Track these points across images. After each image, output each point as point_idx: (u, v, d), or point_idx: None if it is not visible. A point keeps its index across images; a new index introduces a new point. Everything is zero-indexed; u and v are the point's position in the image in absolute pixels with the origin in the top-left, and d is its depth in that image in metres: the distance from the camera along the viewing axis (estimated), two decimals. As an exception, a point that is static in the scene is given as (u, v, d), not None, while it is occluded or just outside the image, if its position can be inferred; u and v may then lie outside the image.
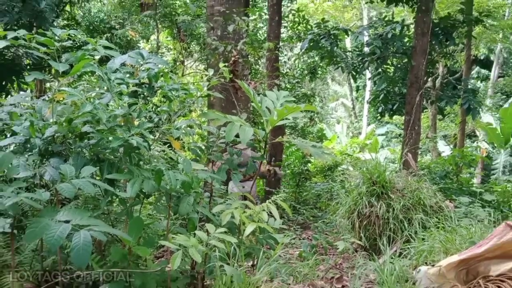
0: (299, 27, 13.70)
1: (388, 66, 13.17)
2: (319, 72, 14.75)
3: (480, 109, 14.52)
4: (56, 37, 4.11)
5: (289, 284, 4.22)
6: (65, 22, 11.03)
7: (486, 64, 24.14)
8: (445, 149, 18.58)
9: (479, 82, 25.13)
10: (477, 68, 24.28)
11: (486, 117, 19.06)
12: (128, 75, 4.33)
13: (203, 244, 3.74)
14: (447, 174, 12.13)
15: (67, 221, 2.88)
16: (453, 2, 17.55)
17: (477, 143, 20.09)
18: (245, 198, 4.89)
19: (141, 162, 4.07)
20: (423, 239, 5.30)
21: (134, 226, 3.84)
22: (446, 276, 3.89)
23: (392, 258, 4.67)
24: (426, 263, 4.58)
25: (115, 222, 4.20)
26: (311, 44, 12.26)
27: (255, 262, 4.53)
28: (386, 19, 12.99)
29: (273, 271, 4.38)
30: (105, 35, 10.60)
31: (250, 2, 13.66)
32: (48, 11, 8.02)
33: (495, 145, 17.69)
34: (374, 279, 4.31)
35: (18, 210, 3.19)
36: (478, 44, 20.55)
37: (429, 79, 13.64)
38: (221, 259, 4.13)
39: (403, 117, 11.41)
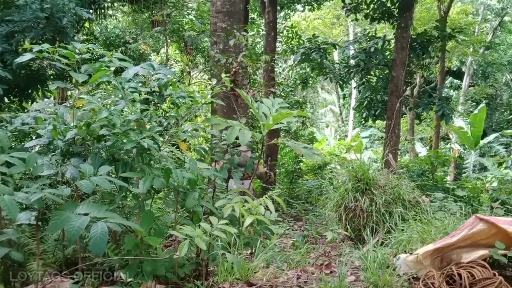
0: (292, 42, 13.71)
1: (371, 77, 13.18)
2: (310, 81, 14.76)
3: (453, 115, 14.57)
4: (76, 50, 4.10)
5: (283, 270, 4.21)
6: (85, 37, 11.02)
7: (458, 75, 24.19)
8: (421, 150, 18.61)
9: (452, 91, 25.15)
10: (450, 79, 24.31)
11: (458, 122, 19.09)
12: (140, 84, 4.33)
13: (207, 234, 3.74)
14: (423, 173, 12.14)
15: (86, 214, 2.88)
16: (429, 20, 17.58)
17: (450, 145, 20.11)
18: (244, 194, 4.88)
19: (152, 162, 4.07)
20: (402, 230, 5.30)
21: (146, 219, 3.84)
22: (422, 263, 3.90)
23: (374, 247, 4.66)
24: (405, 251, 4.58)
25: (129, 215, 4.19)
26: (303, 57, 12.27)
27: (253, 250, 4.53)
28: (370, 35, 13.01)
29: (269, 258, 4.37)
30: (120, 49, 10.61)
31: (249, 20, 13.68)
32: (69, 27, 8.01)
33: (466, 146, 17.73)
34: (359, 266, 4.30)
35: (42, 204, 3.19)
36: (451, 57, 20.59)
37: (408, 88, 13.64)
38: (223, 248, 4.13)
39: (385, 122, 11.41)
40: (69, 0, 7.94)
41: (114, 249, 3.98)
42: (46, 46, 4.03)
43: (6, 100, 8.50)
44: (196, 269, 4.09)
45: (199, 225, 3.81)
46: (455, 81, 24.73)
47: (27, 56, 4.08)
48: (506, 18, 23.71)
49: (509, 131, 17.60)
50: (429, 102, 13.60)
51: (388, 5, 11.76)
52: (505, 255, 3.75)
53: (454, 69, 23.65)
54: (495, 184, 13.28)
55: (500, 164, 17.28)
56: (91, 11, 9.45)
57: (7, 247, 3.25)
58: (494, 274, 3.52)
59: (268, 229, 4.57)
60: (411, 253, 4.14)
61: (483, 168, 17.39)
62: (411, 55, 11.58)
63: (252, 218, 4.22)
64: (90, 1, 9.47)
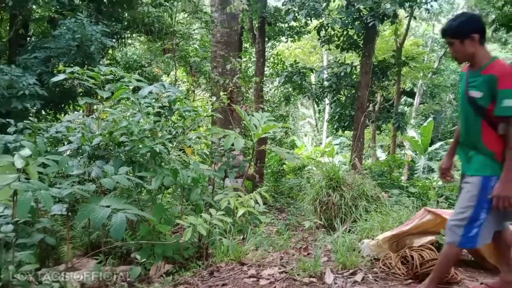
0: (277, 67, 13.76)
1: (341, 96, 13.25)
2: (292, 99, 14.79)
3: (406, 127, 14.67)
4: (101, 72, 4.10)
5: (269, 252, 4.20)
6: (108, 61, 10.99)
7: (411, 94, 24.32)
8: (381, 155, 18.69)
9: (406, 107, 25.29)
10: (404, 97, 24.41)
11: (411, 132, 19.17)
12: (153, 100, 4.32)
13: (207, 223, 3.73)
14: (383, 173, 12.16)
15: (108, 206, 2.86)
16: (387, 50, 17.70)
17: (404, 151, 20.20)
18: (237, 190, 4.87)
19: (162, 163, 4.05)
20: (366, 220, 5.31)
21: (157, 210, 3.82)
22: (382, 246, 3.90)
23: (343, 233, 4.67)
24: (368, 237, 4.59)
25: (143, 207, 4.17)
26: (286, 79, 12.31)
27: (245, 236, 4.52)
28: (340, 61, 13.08)
29: (258, 243, 4.36)
30: (137, 71, 10.59)
31: (243, 48, 13.70)
32: (96, 53, 7.99)
33: (417, 152, 17.82)
34: (331, 249, 4.30)
35: (72, 198, 3.17)
36: (405, 80, 20.75)
37: (371, 105, 13.72)
38: (220, 234, 4.11)
39: (352, 132, 11.47)
40: (96, 31, 7.92)
41: (131, 235, 3.96)
42: (76, 68, 4.02)
43: (43, 112, 8.45)
44: (198, 251, 4.07)
45: (201, 215, 3.80)
46: (408, 99, 24.86)
47: (61, 77, 4.07)
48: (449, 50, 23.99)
49: (451, 140, 17.73)
50: (388, 116, 13.71)
51: (355, 38, 11.83)
52: (448, 241, 3.77)
53: (408, 89, 23.75)
54: (440, 183, 13.35)
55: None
56: (113, 40, 9.42)
57: (42, 233, 3.22)
58: (440, 256, 3.53)
59: (257, 218, 4.57)
60: (373, 239, 4.15)
61: (431, 170, 17.50)
62: (373, 78, 11.67)
63: (244, 210, 4.21)
64: (113, 32, 9.44)
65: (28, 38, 9.45)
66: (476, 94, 2.68)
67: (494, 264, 3.81)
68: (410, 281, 3.44)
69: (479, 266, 3.91)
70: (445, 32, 2.81)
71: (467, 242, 2.74)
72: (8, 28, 9.43)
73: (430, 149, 17.73)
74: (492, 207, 2.65)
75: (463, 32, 2.68)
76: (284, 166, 12.73)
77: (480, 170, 2.69)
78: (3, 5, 8.27)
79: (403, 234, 3.90)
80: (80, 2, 9.78)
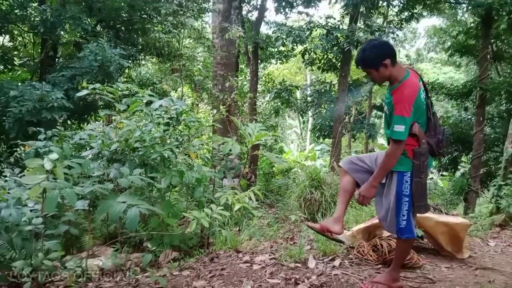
0: (268, 85, 13.80)
1: (322, 109, 13.30)
2: (280, 111, 14.83)
3: (377, 135, 14.73)
4: (119, 88, 4.09)
5: (261, 241, 4.19)
6: (125, 79, 10.96)
7: (380, 108, 24.41)
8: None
9: (376, 119, 25.41)
10: (375, 111, 24.59)
11: (380, 140, 19.25)
12: (163, 112, 4.31)
13: (209, 216, 3.71)
14: (357, 175, 12.18)
15: (123, 202, 2.84)
16: (360, 71, 17.80)
17: (375, 156, 20.28)
18: (234, 188, 4.86)
19: (170, 166, 4.04)
20: (343, 214, 5.31)
21: (166, 205, 3.80)
22: (356, 236, 3.91)
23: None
24: (344, 228, 4.59)
25: (154, 203, 4.15)
26: (276, 95, 12.36)
27: (241, 228, 4.51)
28: (321, 80, 13.16)
29: (252, 233, 4.36)
30: (149, 88, 10.56)
31: (239, 69, 13.74)
32: (114, 72, 7.99)
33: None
34: (313, 239, 4.30)
35: (93, 195, 3.14)
36: (375, 96, 20.87)
37: (347, 117, 13.79)
38: (219, 226, 4.10)
39: (331, 140, 11.50)
40: (115, 54, 7.92)
41: (143, 226, 3.93)
42: (98, 85, 4.01)
43: (69, 122, 8.42)
44: (200, 241, 4.05)
45: (203, 210, 3.79)
46: (379, 112, 25.01)
47: (84, 92, 4.05)
48: (412, 71, 24.17)
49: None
50: (361, 127, 13.78)
51: (333, 60, 11.91)
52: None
53: (378, 104, 23.92)
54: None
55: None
56: (129, 61, 9.41)
57: (67, 225, 3.19)
58: (405, 245, 3.54)
59: (251, 213, 4.56)
60: (349, 230, 4.15)
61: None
62: (349, 95, 11.72)
63: (240, 205, 4.20)
64: (129, 54, 9.43)
65: (56, 59, 9.43)
66: (386, 110, 2.68)
67: (450, 251, 3.83)
68: (380, 266, 3.45)
69: (438, 253, 3.93)
70: (359, 65, 2.71)
71: (403, 232, 2.67)
72: (39, 50, 9.40)
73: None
74: (411, 200, 2.61)
75: (376, 62, 2.56)
76: (274, 168, 12.74)
77: (397, 167, 2.62)
78: (36, 31, 8.25)
79: (374, 226, 3.91)
80: (101, 29, 9.78)
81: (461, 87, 13.13)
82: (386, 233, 3.77)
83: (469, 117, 13.60)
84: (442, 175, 16.74)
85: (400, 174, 2.62)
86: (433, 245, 4.04)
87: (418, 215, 3.74)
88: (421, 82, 2.61)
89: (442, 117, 15.47)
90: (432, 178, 17.90)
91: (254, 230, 4.50)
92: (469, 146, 11.99)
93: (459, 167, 15.06)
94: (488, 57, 10.76)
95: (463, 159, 14.61)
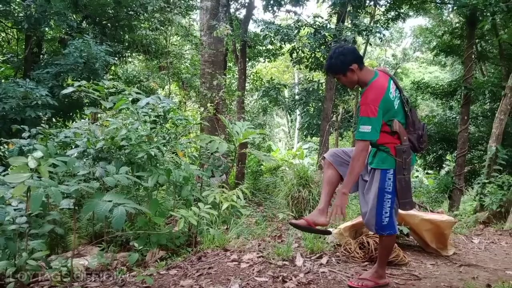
0: (257, 83, 13.79)
1: (310, 107, 13.34)
2: (268, 110, 14.85)
3: (364, 134, 14.81)
4: (105, 86, 4.04)
5: (249, 240, 4.19)
6: (111, 76, 10.82)
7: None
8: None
9: (363, 118, 25.59)
10: (362, 109, 24.74)
11: (367, 139, 19.40)
12: (150, 110, 4.28)
13: (196, 215, 3.70)
14: (344, 173, 12.26)
15: (110, 201, 2.81)
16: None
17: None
18: (222, 186, 4.85)
19: (157, 164, 4.01)
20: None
21: (153, 204, 3.78)
22: (343, 234, 3.94)
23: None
24: (331, 226, 4.62)
25: (141, 202, 4.12)
26: (264, 93, 12.35)
27: (228, 226, 4.50)
28: (309, 79, 13.20)
29: (239, 232, 4.35)
30: (136, 85, 10.46)
31: (227, 67, 13.70)
32: (100, 69, 7.89)
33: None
34: (301, 236, 4.32)
35: (78, 194, 3.10)
36: (363, 95, 21.01)
37: (334, 116, 13.88)
38: (207, 224, 4.09)
39: (319, 138, 11.55)
40: (100, 50, 7.82)
41: (130, 225, 3.90)
42: (83, 82, 3.96)
43: (53, 120, 8.29)
44: (188, 240, 4.04)
45: (191, 209, 3.77)
46: (365, 111, 25.21)
47: (69, 89, 4.00)
48: (398, 70, 24.42)
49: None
50: (348, 125, 13.89)
51: (321, 59, 11.94)
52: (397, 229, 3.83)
53: (365, 103, 24.16)
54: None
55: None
56: (116, 58, 9.30)
57: (52, 224, 3.15)
58: (391, 242, 3.58)
59: (238, 211, 4.56)
60: (335, 228, 4.18)
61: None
62: (336, 94, 11.79)
63: (227, 204, 4.20)
64: (115, 51, 9.32)
65: (41, 56, 9.27)
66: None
67: (435, 248, 3.89)
68: (366, 263, 3.48)
69: (423, 250, 3.99)
70: (328, 72, 2.81)
71: (385, 228, 2.70)
72: (23, 47, 9.23)
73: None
74: (394, 197, 2.64)
75: (343, 68, 2.65)
76: (262, 166, 12.73)
77: (380, 164, 2.67)
78: (19, 27, 8.10)
79: (360, 224, 3.94)
80: (87, 25, 9.65)
81: (446, 86, 13.32)
82: (372, 231, 3.81)
83: (454, 116, 13.82)
84: (427, 173, 16.98)
85: (383, 171, 2.65)
86: (419, 243, 4.10)
87: (403, 212, 3.80)
88: (391, 82, 2.67)
89: (427, 116, 15.68)
90: (418, 176, 18.14)
91: (242, 229, 4.49)
92: (453, 144, 12.18)
93: (444, 165, 15.29)
94: (473, 57, 10.93)
95: (447, 157, 14.84)
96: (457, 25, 13.17)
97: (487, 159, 6.86)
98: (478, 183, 6.84)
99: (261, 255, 3.52)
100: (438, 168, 15.13)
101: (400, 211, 3.83)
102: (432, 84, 13.96)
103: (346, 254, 3.67)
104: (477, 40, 11.65)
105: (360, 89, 2.75)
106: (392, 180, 2.63)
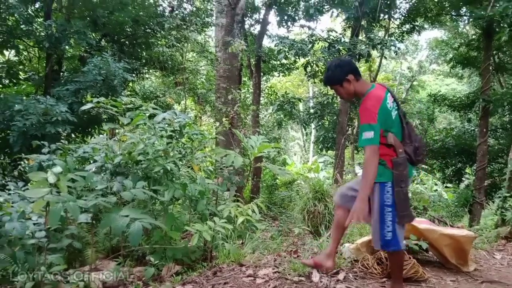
0: (271, 97, 13.86)
1: (325, 121, 13.31)
2: (283, 124, 14.86)
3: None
4: (123, 102, 4.12)
5: (265, 254, 4.15)
6: (129, 92, 11.01)
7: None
8: (359, 171, 18.62)
9: (379, 131, 25.33)
10: (378, 123, 24.49)
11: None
12: (166, 125, 4.33)
13: (212, 230, 3.70)
14: (360, 187, 12.10)
15: (126, 216, 2.84)
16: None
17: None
18: (238, 200, 4.85)
19: (173, 179, 4.04)
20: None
21: (169, 219, 3.79)
22: (360, 249, 3.87)
23: (327, 238, 4.63)
24: (348, 241, 4.55)
25: (157, 216, 4.14)
26: (278, 107, 12.39)
27: (244, 241, 4.47)
28: (323, 92, 13.18)
29: (255, 247, 4.32)
30: (152, 101, 10.62)
31: (242, 81, 13.82)
32: (118, 86, 8.05)
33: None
34: (317, 252, 4.26)
35: (96, 209, 3.14)
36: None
37: (349, 129, 13.78)
38: (222, 239, 4.08)
39: (334, 152, 11.48)
40: (119, 67, 7.99)
41: (146, 240, 3.92)
42: (102, 99, 4.05)
43: (73, 135, 8.46)
44: (203, 254, 4.03)
45: (206, 223, 3.77)
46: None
47: (88, 106, 4.09)
48: (414, 83, 24.24)
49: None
50: (364, 139, 13.70)
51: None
52: (416, 244, 3.75)
53: (381, 116, 23.95)
54: (409, 195, 13.27)
55: (412, 181, 17.36)
56: (133, 75, 9.50)
57: (70, 238, 3.19)
58: (409, 257, 3.51)
59: (254, 226, 4.53)
60: (353, 243, 4.12)
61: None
62: (351, 107, 11.74)
63: (243, 218, 4.19)
64: (133, 68, 9.52)
65: (61, 73, 9.52)
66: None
67: (456, 264, 3.79)
68: (384, 279, 3.41)
69: (443, 266, 3.89)
70: (326, 83, 2.88)
71: (389, 245, 2.66)
72: (44, 65, 9.50)
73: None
74: (394, 211, 2.62)
75: (339, 79, 2.72)
76: (277, 180, 12.70)
77: (377, 178, 2.64)
78: (41, 45, 8.36)
79: (378, 239, 3.87)
80: (106, 43, 9.90)
81: (464, 98, 13.13)
82: (390, 246, 3.74)
83: (472, 128, 13.57)
84: (446, 187, 16.62)
85: (382, 184, 2.65)
86: (438, 258, 4.00)
87: (422, 227, 3.72)
88: (388, 93, 2.70)
89: (445, 129, 15.45)
90: (437, 190, 17.77)
91: (257, 243, 4.46)
92: (473, 157, 11.94)
93: (463, 178, 14.95)
94: (490, 68, 10.78)
95: (467, 170, 14.52)
96: (473, 36, 13.04)
97: (508, 172, 6.69)
98: (499, 197, 6.66)
99: (277, 271, 3.48)
100: (457, 182, 14.81)
101: (418, 225, 3.76)
102: (449, 97, 13.78)
103: (364, 270, 3.60)
104: (494, 52, 11.50)
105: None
106: (391, 193, 2.62)
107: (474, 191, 10.37)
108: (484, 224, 7.44)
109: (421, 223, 3.91)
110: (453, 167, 13.79)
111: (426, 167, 17.11)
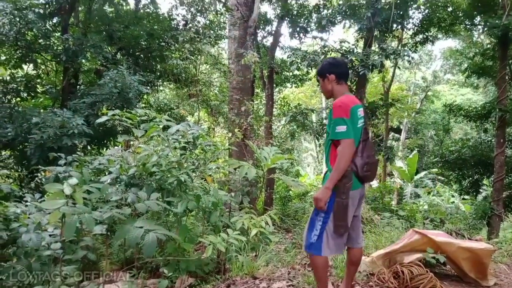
0: (284, 108, 13.85)
1: (338, 132, 13.19)
2: (296, 135, 14.80)
3: (395, 158, 14.51)
4: (137, 114, 4.16)
5: (278, 267, 4.11)
6: (143, 105, 11.14)
7: (398, 131, 24.27)
8: (374, 183, 18.43)
9: (393, 142, 25.16)
10: (392, 133, 24.35)
11: (399, 163, 18.96)
12: (180, 137, 4.36)
13: (225, 241, 3.68)
14: (376, 198, 12.01)
15: (141, 227, 2.85)
16: (376, 93, 17.80)
17: (393, 179, 19.96)
18: (251, 212, 4.83)
19: (187, 190, 4.05)
20: (361, 239, 5.19)
21: (182, 230, 3.79)
22: (376, 263, 3.81)
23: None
24: (363, 254, 4.48)
25: (170, 228, 4.14)
26: (291, 118, 12.35)
27: (257, 253, 4.44)
28: (336, 103, 13.09)
29: (269, 259, 4.29)
30: (167, 113, 10.73)
31: (255, 93, 13.87)
32: (133, 98, 8.15)
33: (405, 180, 17.58)
34: (331, 265, 4.20)
35: (111, 220, 3.16)
36: (392, 118, 20.73)
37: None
38: (236, 251, 4.06)
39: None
40: (134, 80, 8.11)
41: (160, 252, 3.92)
42: (117, 111, 4.10)
43: (88, 147, 8.57)
44: (217, 267, 4.01)
45: (219, 235, 3.76)
46: (396, 135, 24.76)
47: (104, 118, 4.14)
48: (429, 93, 24.01)
49: (434, 170, 17.49)
50: (378, 149, 13.58)
51: (348, 83, 11.90)
52: (434, 257, 3.68)
53: (395, 127, 23.74)
54: (426, 207, 13.10)
55: (428, 193, 17.11)
56: (148, 87, 9.62)
57: (85, 250, 3.21)
58: (427, 271, 3.44)
59: (267, 238, 4.50)
60: (368, 256, 4.05)
61: (417, 196, 17.19)
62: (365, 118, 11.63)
63: (256, 230, 4.16)
64: (147, 81, 9.65)
65: (77, 87, 9.69)
66: (327, 122, 2.88)
67: (474, 278, 3.69)
68: (401, 293, 3.34)
69: (461, 280, 3.79)
70: (316, 73, 3.09)
71: (311, 247, 2.73)
72: (61, 78, 9.70)
73: (415, 177, 17.48)
74: (329, 219, 2.67)
75: (322, 72, 2.89)
76: (290, 192, 12.63)
77: (322, 182, 2.76)
78: (58, 59, 8.54)
79: (394, 252, 3.81)
80: (121, 57, 10.07)
81: (479, 108, 12.93)
82: (407, 259, 3.67)
83: (489, 139, 13.33)
84: (463, 198, 16.32)
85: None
86: (456, 272, 3.90)
87: (439, 240, 3.65)
88: (362, 107, 2.81)
89: (461, 139, 15.21)
90: (454, 202, 17.46)
91: (271, 256, 4.42)
92: (490, 168, 11.70)
93: (480, 190, 14.66)
94: (507, 78, 10.61)
95: (484, 182, 14.24)
96: (488, 46, 12.89)
97: (528, 183, 6.53)
98: (519, 209, 6.51)
99: (291, 284, 3.44)
100: (474, 194, 14.51)
101: (435, 238, 3.68)
102: (465, 107, 13.59)
103: (380, 284, 3.54)
104: (510, 61, 11.33)
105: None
106: (330, 202, 2.67)
107: (492, 203, 10.14)
108: (504, 237, 7.25)
109: (438, 235, 3.83)
110: (470, 178, 13.53)
111: (443, 178, 16.86)
